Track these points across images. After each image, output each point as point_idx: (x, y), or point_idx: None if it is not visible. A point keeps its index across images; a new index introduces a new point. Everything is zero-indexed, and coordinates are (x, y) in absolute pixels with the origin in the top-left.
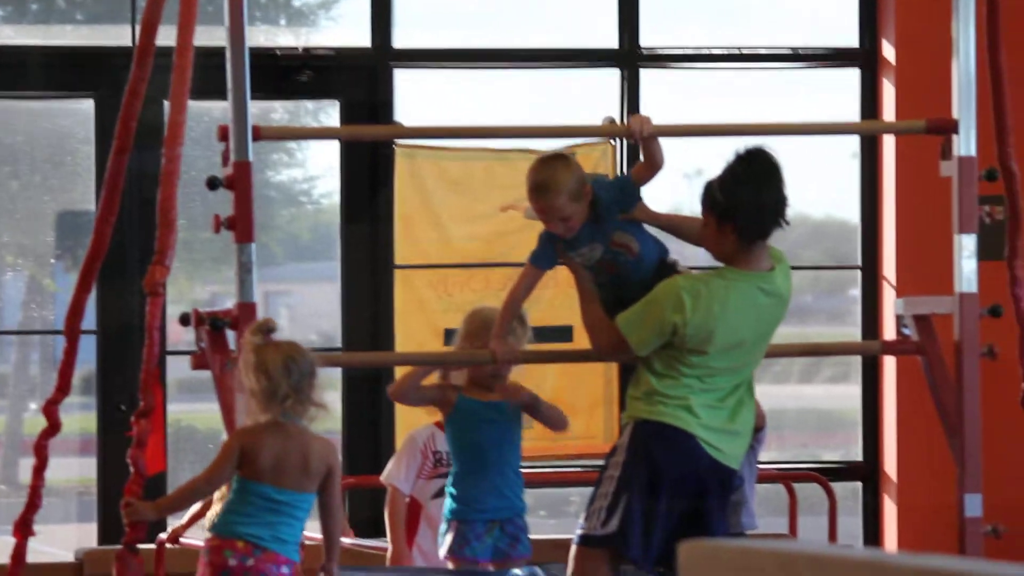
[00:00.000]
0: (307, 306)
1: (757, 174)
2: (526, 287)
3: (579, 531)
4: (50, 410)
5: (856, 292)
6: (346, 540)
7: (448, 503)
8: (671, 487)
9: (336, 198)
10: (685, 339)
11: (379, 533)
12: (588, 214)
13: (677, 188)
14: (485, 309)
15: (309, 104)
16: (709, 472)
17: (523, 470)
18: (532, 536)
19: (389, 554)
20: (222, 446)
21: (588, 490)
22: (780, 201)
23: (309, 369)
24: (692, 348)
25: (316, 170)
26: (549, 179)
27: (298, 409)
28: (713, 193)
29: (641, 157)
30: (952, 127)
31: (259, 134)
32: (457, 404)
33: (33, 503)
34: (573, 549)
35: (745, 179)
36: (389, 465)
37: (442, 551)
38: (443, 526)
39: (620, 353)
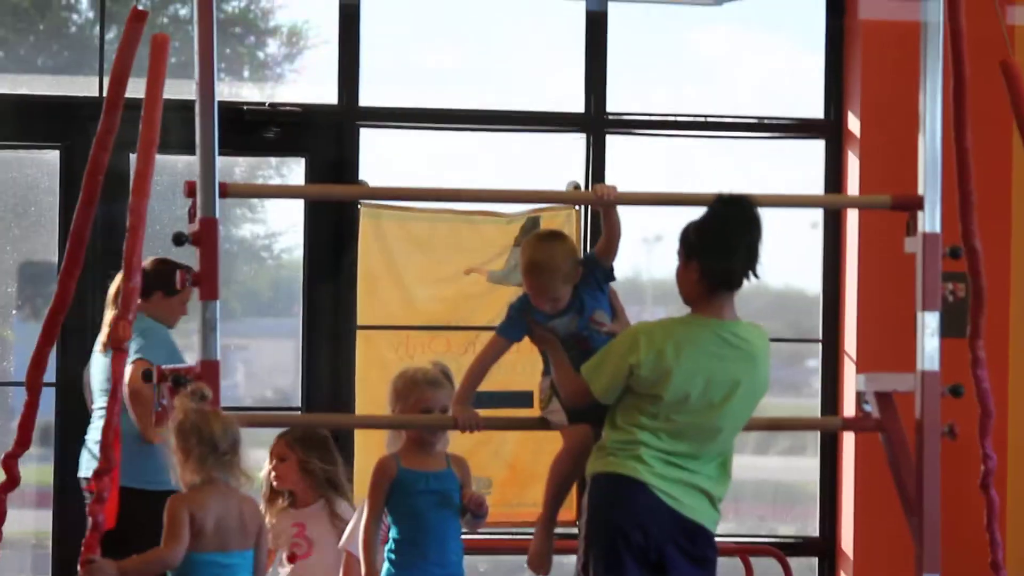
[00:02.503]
0: (264, 362)
1: (731, 219)
2: (492, 357)
3: None
4: (9, 464)
5: (813, 363)
6: None
7: (387, 568)
8: (628, 537)
9: (297, 254)
10: (640, 381)
11: None
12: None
13: (637, 253)
14: (410, 369)
15: (272, 159)
16: (668, 521)
17: (480, 536)
18: None
19: None
20: (168, 516)
21: None
22: (751, 251)
23: (239, 438)
24: (648, 392)
25: (278, 226)
26: (547, 261)
27: (232, 469)
28: (688, 230)
29: (602, 227)
30: (917, 204)
31: (227, 191)
32: (398, 475)
33: None
34: None
35: (719, 222)
36: (346, 531)
37: None
38: None
39: (583, 402)
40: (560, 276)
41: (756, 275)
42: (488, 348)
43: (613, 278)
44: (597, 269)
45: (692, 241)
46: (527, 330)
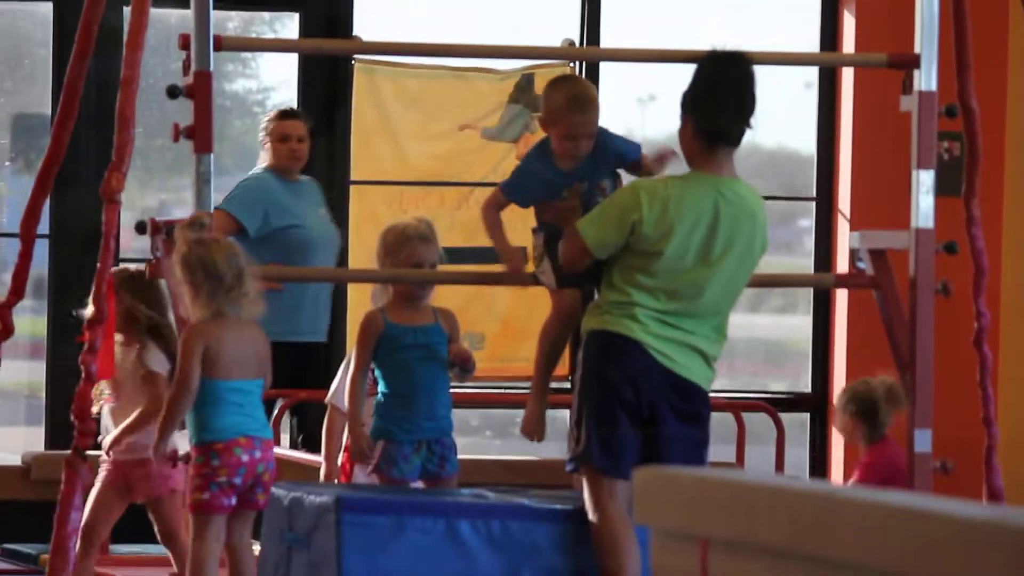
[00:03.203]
0: None
1: (723, 74)
2: (499, 213)
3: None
4: (3, 313)
5: (806, 223)
6: (290, 452)
7: (375, 422)
8: (621, 394)
9: None
10: (642, 238)
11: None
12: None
13: (631, 113)
14: (400, 223)
15: (265, 14)
16: (660, 379)
17: (473, 391)
18: (478, 456)
19: (322, 472)
20: (182, 351)
21: None
22: (743, 105)
23: (246, 264)
24: (649, 250)
25: (271, 81)
26: (591, 94)
27: (240, 301)
28: (685, 90)
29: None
30: (914, 62)
31: (221, 44)
32: (385, 330)
33: None
34: (574, 478)
35: (709, 77)
36: (332, 385)
37: (368, 469)
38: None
39: (581, 259)
40: (598, 110)
41: (749, 126)
42: (491, 208)
43: (638, 157)
44: (629, 153)
45: (686, 98)
46: (544, 197)
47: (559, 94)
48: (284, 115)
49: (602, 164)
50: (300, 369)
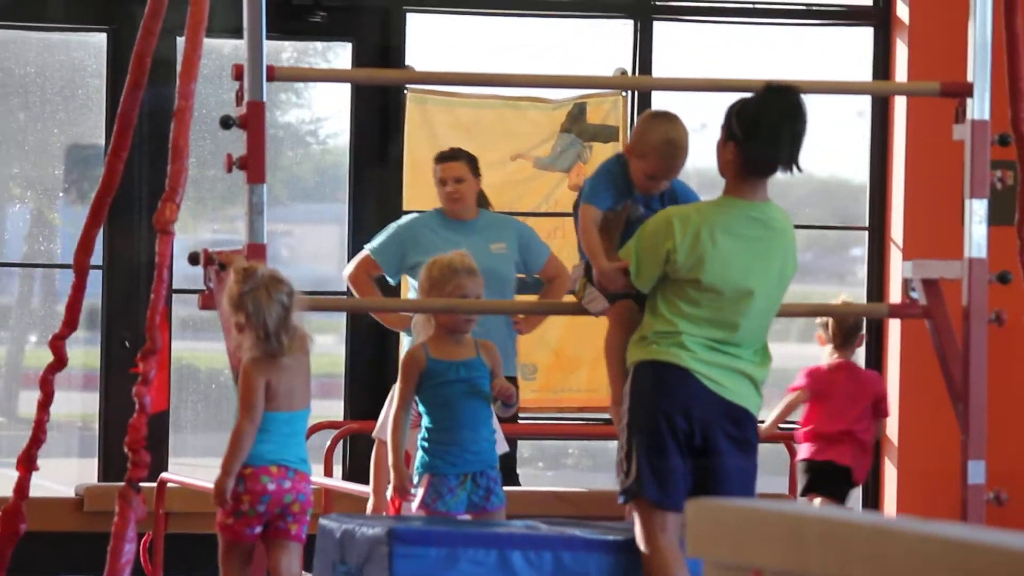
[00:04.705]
0: (308, 247)
1: (775, 108)
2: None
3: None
4: (57, 345)
5: (858, 252)
6: (343, 484)
7: (420, 456)
8: (672, 422)
9: (341, 140)
10: (677, 266)
11: None
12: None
13: None
14: (444, 256)
15: (318, 44)
16: (713, 406)
17: (525, 422)
18: (531, 488)
19: (370, 505)
20: (243, 385)
21: (588, 444)
22: (791, 143)
23: (290, 298)
24: (686, 277)
25: (323, 111)
26: (686, 143)
27: (286, 340)
28: (732, 111)
29: None
30: (967, 91)
31: (274, 74)
32: (427, 366)
33: (37, 437)
34: (626, 509)
35: (762, 110)
36: (380, 417)
37: (415, 504)
38: (415, 479)
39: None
40: (686, 159)
41: (799, 168)
42: (589, 223)
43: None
44: (684, 197)
45: (733, 125)
46: (613, 205)
47: (657, 132)
48: (440, 158)
49: (663, 200)
50: None
